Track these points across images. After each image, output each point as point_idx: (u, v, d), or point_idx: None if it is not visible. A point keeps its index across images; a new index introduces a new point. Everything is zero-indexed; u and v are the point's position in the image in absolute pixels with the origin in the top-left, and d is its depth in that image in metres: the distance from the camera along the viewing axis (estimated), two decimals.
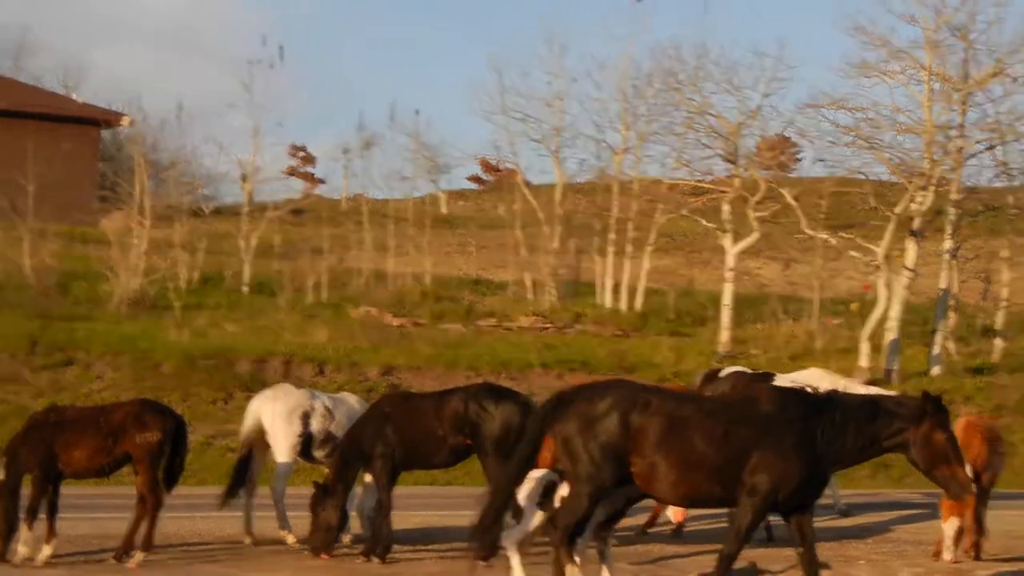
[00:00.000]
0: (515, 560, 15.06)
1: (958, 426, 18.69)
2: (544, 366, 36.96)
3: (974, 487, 15.37)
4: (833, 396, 14.24)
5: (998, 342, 44.76)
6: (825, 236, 44.15)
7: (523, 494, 14.85)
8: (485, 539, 14.05)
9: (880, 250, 39.96)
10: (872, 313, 40.32)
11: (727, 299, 42.11)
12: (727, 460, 13.51)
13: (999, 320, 45.27)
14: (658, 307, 47.57)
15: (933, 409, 13.84)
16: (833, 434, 13.67)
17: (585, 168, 55.65)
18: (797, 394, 14.24)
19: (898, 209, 40.24)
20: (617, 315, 45.81)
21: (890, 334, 39.40)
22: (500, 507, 14.12)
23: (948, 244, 42.71)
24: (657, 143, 49.13)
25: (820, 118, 42.37)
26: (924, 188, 39.78)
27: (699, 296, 50.74)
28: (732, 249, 42.73)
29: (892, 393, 15.90)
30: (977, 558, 18.92)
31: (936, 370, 39.99)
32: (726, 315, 41.84)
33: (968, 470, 14.92)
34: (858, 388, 21.65)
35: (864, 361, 38.52)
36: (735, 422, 13.67)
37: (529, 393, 27.89)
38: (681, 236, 59.47)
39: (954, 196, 41.71)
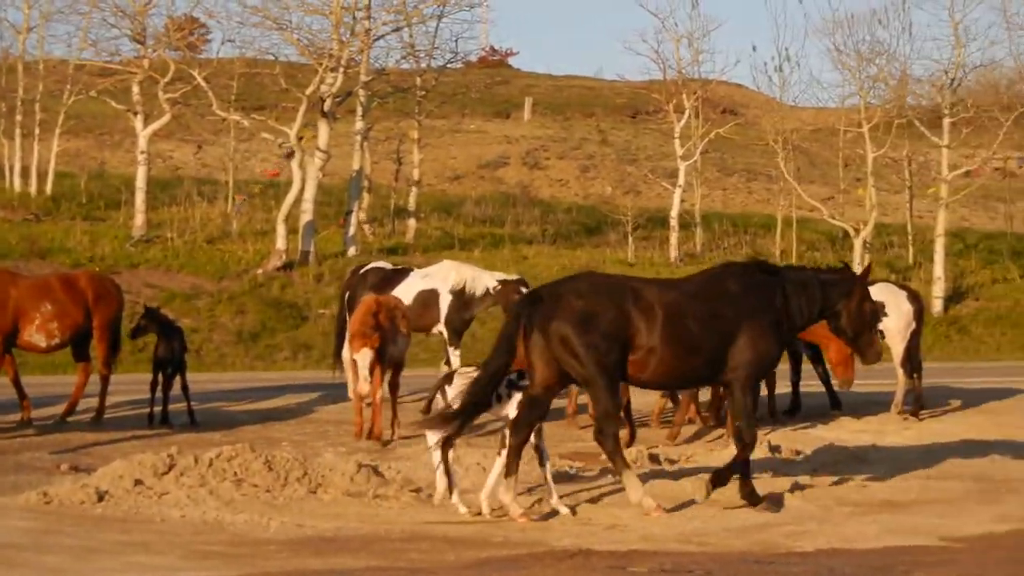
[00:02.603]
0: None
1: (363, 306, 19.04)
2: None
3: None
4: (784, 271, 15.03)
5: (411, 222, 45.84)
6: (237, 118, 43.80)
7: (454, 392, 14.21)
8: (443, 425, 13.82)
9: (292, 132, 39.96)
10: (287, 195, 40.35)
11: (140, 182, 41.19)
12: (719, 339, 13.99)
13: (411, 200, 46.28)
14: (69, 191, 46.25)
15: (862, 281, 15.01)
16: (790, 305, 14.42)
17: None
18: (758, 268, 14.91)
19: (309, 91, 40.33)
20: (27, 199, 44.26)
21: (305, 216, 39.62)
22: (476, 406, 13.84)
23: (360, 125, 43.32)
24: (62, 22, 47.44)
25: None
26: (334, 70, 40.02)
27: (112, 179, 49.71)
28: (143, 131, 41.73)
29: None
30: None
31: (352, 251, 40.57)
32: (140, 198, 40.94)
33: None
34: (487, 278, 22.04)
35: (281, 243, 38.57)
36: (717, 301, 14.13)
37: None
38: (91, 118, 57.87)
39: (364, 78, 42.34)
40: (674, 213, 46.37)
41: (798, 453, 17.95)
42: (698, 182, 51.43)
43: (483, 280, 22.23)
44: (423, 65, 46.34)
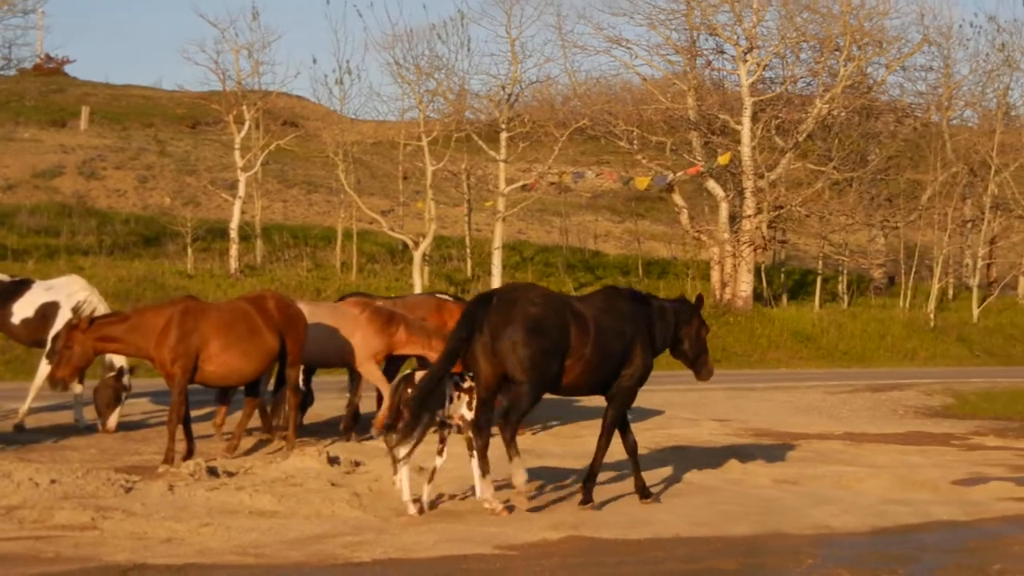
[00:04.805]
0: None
1: None
2: None
3: None
4: (650, 298, 16.06)
5: None
6: None
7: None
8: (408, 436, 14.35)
9: None
10: None
11: None
12: (621, 352, 15.17)
13: None
14: None
15: (698, 309, 16.32)
16: (655, 330, 15.74)
17: None
18: (632, 295, 15.90)
19: None
20: None
21: None
22: (425, 399, 14.30)
23: None
24: None
25: None
26: None
27: None
28: None
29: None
30: None
31: None
32: None
33: None
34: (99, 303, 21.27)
35: None
36: (619, 319, 15.23)
37: None
38: None
39: None
40: (234, 225, 45.90)
41: (357, 464, 17.96)
42: (258, 194, 51.23)
43: (94, 299, 21.55)
44: None
